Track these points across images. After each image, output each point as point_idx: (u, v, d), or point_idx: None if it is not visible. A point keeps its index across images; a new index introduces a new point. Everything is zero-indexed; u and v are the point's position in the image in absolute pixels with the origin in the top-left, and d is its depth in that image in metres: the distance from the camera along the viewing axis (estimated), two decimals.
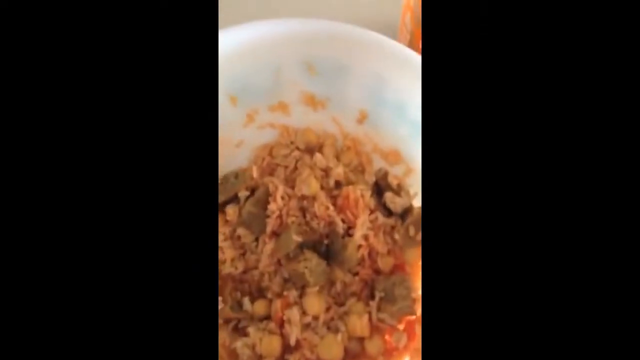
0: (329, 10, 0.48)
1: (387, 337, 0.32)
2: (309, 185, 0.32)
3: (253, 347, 0.31)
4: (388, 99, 0.33)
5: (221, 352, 0.31)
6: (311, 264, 0.31)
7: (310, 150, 0.36)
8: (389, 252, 0.33)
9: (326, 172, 0.34)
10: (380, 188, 0.34)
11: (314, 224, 0.32)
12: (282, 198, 0.32)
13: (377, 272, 0.33)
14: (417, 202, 0.33)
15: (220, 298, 0.32)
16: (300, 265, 0.31)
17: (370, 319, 0.31)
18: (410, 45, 0.40)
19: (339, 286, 0.32)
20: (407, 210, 0.33)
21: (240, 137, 0.36)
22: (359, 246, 0.32)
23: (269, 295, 0.33)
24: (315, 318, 0.31)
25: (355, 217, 0.32)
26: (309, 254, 0.31)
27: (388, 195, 0.33)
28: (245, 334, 0.31)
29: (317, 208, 0.32)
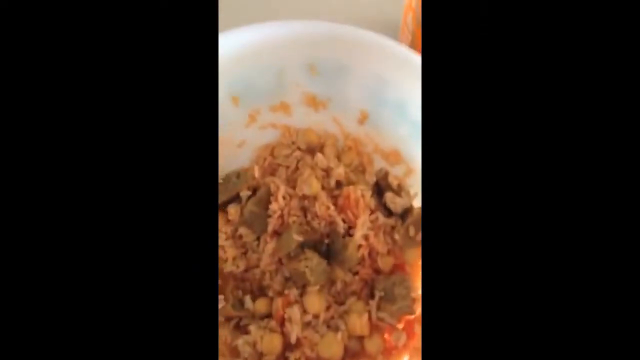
0: (330, 11, 0.48)
1: (386, 336, 0.32)
2: (310, 185, 0.32)
3: (254, 345, 0.31)
4: (389, 100, 0.33)
5: (222, 349, 0.31)
6: (312, 263, 0.31)
7: (311, 150, 0.36)
8: (389, 252, 0.33)
9: (327, 172, 0.34)
10: (380, 188, 0.34)
11: (315, 223, 0.32)
12: (284, 198, 0.32)
13: (377, 271, 0.33)
14: (417, 203, 0.33)
15: (221, 296, 0.32)
16: (301, 264, 0.31)
17: (370, 318, 0.31)
18: (412, 45, 0.40)
19: (339, 285, 0.33)
20: (407, 211, 0.33)
21: (242, 137, 0.36)
22: (359, 246, 0.32)
23: (270, 294, 0.33)
24: (316, 317, 0.31)
25: (356, 217, 0.32)
26: (309, 253, 0.31)
27: (388, 196, 0.33)
28: (247, 332, 0.31)
29: (318, 208, 0.32)
